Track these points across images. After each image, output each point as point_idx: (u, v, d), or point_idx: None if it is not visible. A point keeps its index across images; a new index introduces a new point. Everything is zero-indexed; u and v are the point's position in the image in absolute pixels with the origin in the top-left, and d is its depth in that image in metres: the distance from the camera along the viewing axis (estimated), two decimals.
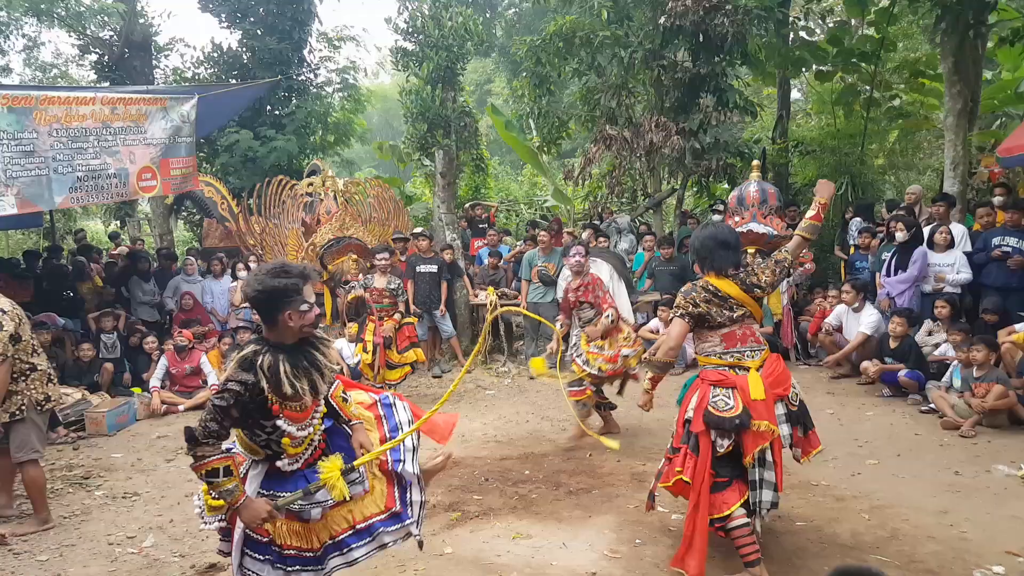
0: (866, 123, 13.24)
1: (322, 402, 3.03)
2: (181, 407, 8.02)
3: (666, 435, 6.21)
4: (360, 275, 8.57)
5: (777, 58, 12.87)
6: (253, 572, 2.97)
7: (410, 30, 10.68)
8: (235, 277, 10.21)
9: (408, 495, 3.23)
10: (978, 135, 10.66)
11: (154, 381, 8.17)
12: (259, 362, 2.75)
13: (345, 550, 3.07)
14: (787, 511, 4.53)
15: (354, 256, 9.90)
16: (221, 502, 2.81)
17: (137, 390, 8.28)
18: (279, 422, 2.83)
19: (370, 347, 7.56)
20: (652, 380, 4.05)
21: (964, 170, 9.68)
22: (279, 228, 10.08)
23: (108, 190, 8.13)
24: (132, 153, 8.24)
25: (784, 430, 3.75)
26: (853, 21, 14.82)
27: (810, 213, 4.21)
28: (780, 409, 3.77)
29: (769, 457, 3.64)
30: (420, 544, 3.26)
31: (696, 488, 3.62)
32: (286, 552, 2.98)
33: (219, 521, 3.00)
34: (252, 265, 10.24)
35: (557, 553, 4.11)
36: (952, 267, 7.69)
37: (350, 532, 3.07)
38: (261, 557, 2.96)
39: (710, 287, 3.85)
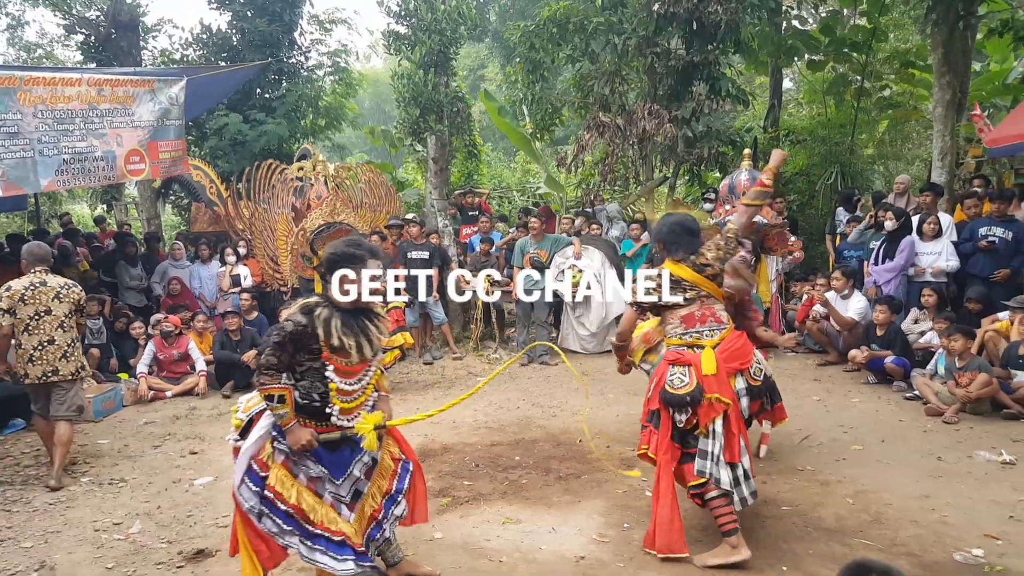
0: (856, 113, 13.28)
1: (372, 366, 3.39)
2: (169, 393, 7.99)
3: None
4: None
5: (770, 47, 12.88)
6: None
7: (403, 13, 10.62)
8: (223, 262, 10.16)
9: (370, 546, 3.42)
10: (966, 126, 10.71)
11: (141, 367, 8.13)
12: (316, 312, 3.20)
13: (310, 540, 3.24)
14: (772, 496, 4.58)
15: None
16: (242, 422, 3.38)
17: (124, 376, 8.25)
18: (327, 372, 3.21)
19: None
20: (619, 359, 4.76)
21: (952, 160, 9.74)
22: (268, 213, 10.00)
23: (95, 173, 8.06)
24: (119, 136, 8.17)
25: (743, 403, 3.85)
26: (845, 11, 14.85)
27: (761, 177, 4.47)
28: (740, 383, 3.87)
29: (719, 428, 3.74)
30: None
31: (659, 462, 3.82)
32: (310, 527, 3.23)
33: (235, 441, 3.43)
34: (241, 250, 10.19)
35: (546, 538, 4.14)
36: (940, 256, 7.76)
37: (324, 534, 3.22)
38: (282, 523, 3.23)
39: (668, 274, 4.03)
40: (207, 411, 7.40)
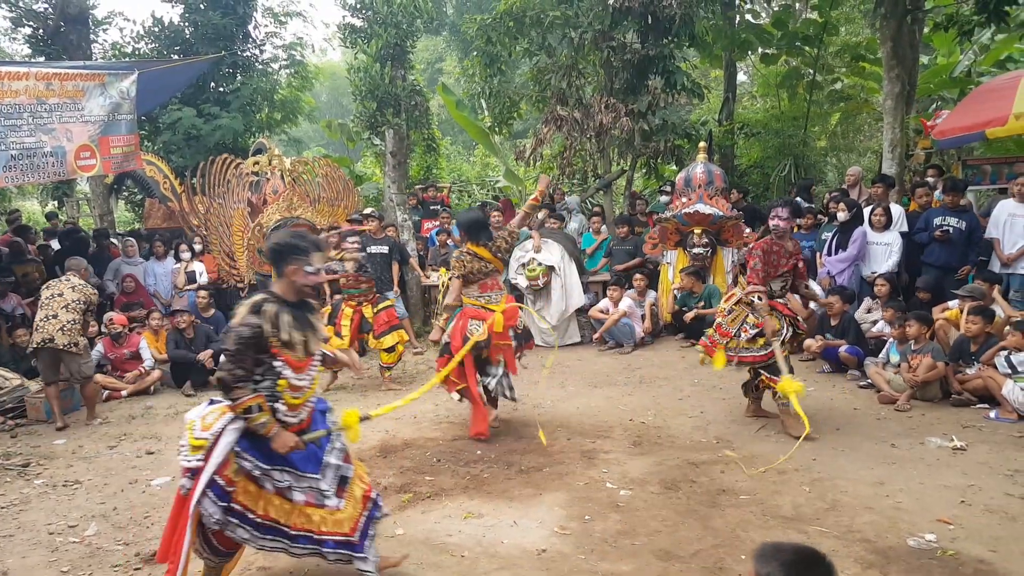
0: (809, 106, 13.53)
1: (316, 360, 3.41)
2: (124, 392, 7.84)
3: (621, 415, 6.32)
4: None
5: (724, 40, 13.04)
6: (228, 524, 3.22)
7: (358, 6, 10.51)
8: (178, 259, 9.98)
9: (370, 528, 3.50)
10: (915, 118, 10.97)
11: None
12: (264, 308, 3.20)
13: (292, 542, 3.32)
14: (730, 485, 4.66)
15: None
16: (203, 441, 3.20)
17: None
18: (276, 363, 3.21)
19: (345, 332, 7.51)
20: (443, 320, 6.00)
21: (902, 152, 9.96)
22: (224, 208, 9.83)
23: (44, 169, 7.86)
24: (69, 131, 7.98)
25: (513, 343, 5.80)
26: (797, 5, 15.08)
27: (531, 197, 6.16)
28: (511, 333, 5.76)
29: (502, 359, 5.74)
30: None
31: (445, 370, 5.25)
32: (261, 520, 3.25)
33: (197, 461, 3.21)
34: (196, 247, 10.02)
35: (508, 531, 4.16)
36: (889, 247, 7.95)
37: (305, 533, 3.30)
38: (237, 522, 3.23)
39: (471, 252, 5.70)
40: (163, 411, 7.28)
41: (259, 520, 3.22)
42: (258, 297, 3.26)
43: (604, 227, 10.37)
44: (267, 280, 9.77)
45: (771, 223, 5.80)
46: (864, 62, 13.48)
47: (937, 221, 7.81)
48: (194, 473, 3.20)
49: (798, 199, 9.92)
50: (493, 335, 5.52)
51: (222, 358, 3.18)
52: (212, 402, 3.37)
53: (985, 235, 7.61)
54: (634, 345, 8.95)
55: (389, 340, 7.64)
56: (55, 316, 6.71)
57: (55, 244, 10.96)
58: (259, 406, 3.14)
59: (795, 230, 6.16)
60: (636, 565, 3.72)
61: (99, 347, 8.03)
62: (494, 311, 5.57)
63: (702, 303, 8.99)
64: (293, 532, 3.27)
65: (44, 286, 6.99)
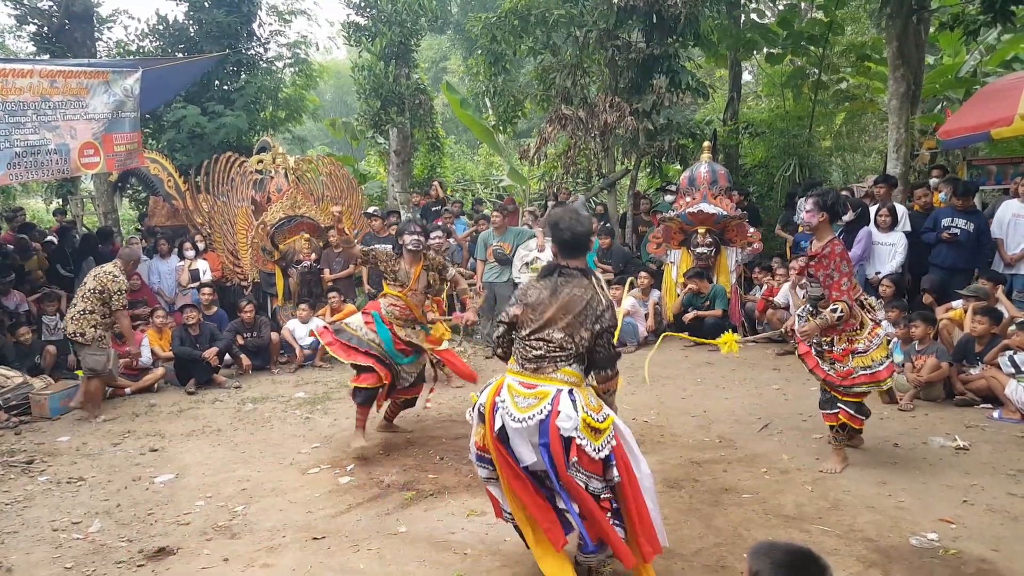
0: (814, 105, 13.49)
1: None
2: (128, 390, 7.85)
3: (623, 413, 6.32)
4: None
5: (729, 40, 13.02)
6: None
7: (362, 4, 10.53)
8: (182, 257, 10.00)
9: None
10: (920, 118, 10.94)
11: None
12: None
13: None
14: (733, 484, 4.66)
15: (306, 235, 9.77)
16: (606, 423, 3.20)
17: (80, 372, 8.07)
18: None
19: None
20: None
21: (907, 152, 9.94)
22: (228, 206, 9.88)
23: (48, 166, 7.88)
24: (73, 128, 7.99)
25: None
26: (803, 4, 15.05)
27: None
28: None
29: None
30: None
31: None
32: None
33: (610, 445, 3.17)
34: (200, 244, 10.05)
35: (511, 529, 4.14)
36: (893, 247, 7.94)
37: None
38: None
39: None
40: (167, 408, 7.30)
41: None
42: (599, 275, 3.35)
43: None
44: (271, 277, 9.86)
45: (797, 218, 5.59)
46: (869, 62, 13.45)
47: (945, 222, 7.77)
48: (607, 462, 3.14)
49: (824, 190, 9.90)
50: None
51: (607, 324, 3.20)
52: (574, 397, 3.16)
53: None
54: (637, 344, 8.95)
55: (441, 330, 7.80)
56: (75, 305, 6.96)
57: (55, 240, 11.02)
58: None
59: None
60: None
61: None
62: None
63: (708, 303, 8.99)
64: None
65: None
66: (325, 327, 5.92)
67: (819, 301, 4.69)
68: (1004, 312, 6.62)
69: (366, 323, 5.58)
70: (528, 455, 3.16)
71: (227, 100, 13.67)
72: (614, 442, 3.16)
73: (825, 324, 4.59)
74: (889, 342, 5.01)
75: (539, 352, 3.22)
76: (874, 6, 11.16)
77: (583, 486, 3.09)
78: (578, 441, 3.06)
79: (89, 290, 6.92)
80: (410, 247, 5.62)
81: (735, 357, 7.34)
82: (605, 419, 3.16)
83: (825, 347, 4.78)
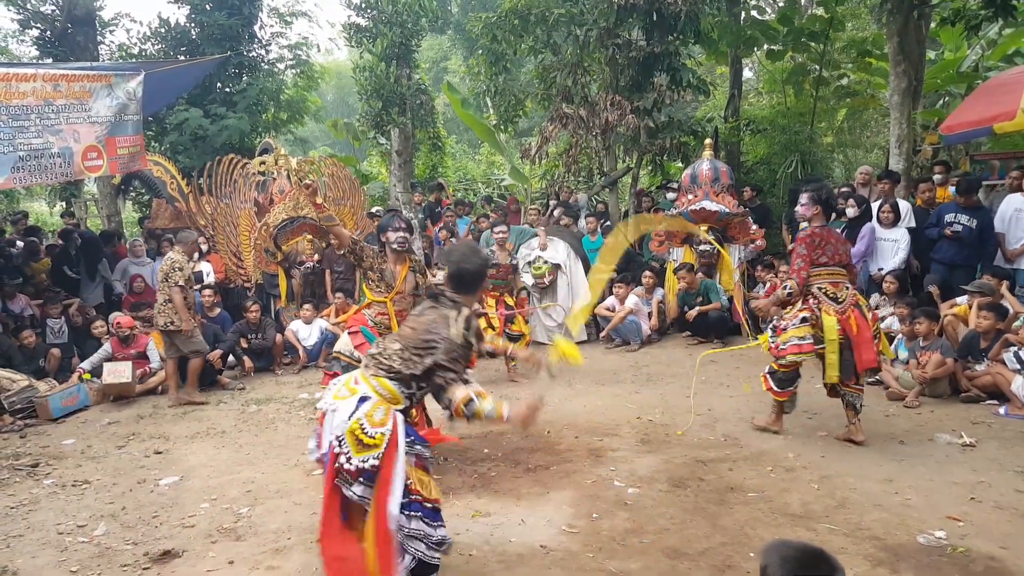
0: (815, 102, 13.47)
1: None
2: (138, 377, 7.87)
3: (628, 412, 6.32)
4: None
5: (729, 37, 12.99)
6: (410, 529, 3.07)
7: (363, 5, 10.52)
8: None
9: None
10: (922, 113, 10.91)
11: (86, 365, 7.96)
12: (472, 323, 3.26)
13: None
14: (739, 483, 4.65)
15: (309, 236, 9.78)
16: (378, 439, 3.00)
17: (87, 375, 8.08)
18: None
19: (496, 323, 7.74)
20: None
21: (909, 147, 9.92)
22: (231, 208, 9.88)
23: (52, 170, 7.89)
24: (76, 132, 8.00)
25: None
26: (803, 0, 15.01)
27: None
28: None
29: None
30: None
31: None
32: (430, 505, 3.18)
33: (373, 462, 3.00)
34: (203, 246, 10.05)
35: (516, 530, 4.16)
36: (896, 243, 7.92)
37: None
38: (412, 513, 3.08)
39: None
40: (171, 410, 7.30)
41: (430, 506, 3.15)
42: (467, 311, 3.27)
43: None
44: (274, 279, 9.86)
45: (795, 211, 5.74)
46: (871, 58, 13.41)
47: (948, 218, 7.75)
48: (366, 476, 3.00)
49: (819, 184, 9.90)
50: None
51: (442, 360, 3.16)
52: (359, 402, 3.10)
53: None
54: (641, 343, 8.94)
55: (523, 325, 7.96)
56: (158, 300, 7.45)
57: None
58: (479, 394, 3.21)
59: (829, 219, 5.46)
60: (644, 563, 3.71)
61: (107, 347, 8.05)
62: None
63: (700, 298, 8.98)
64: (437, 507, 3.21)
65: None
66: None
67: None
68: (1009, 308, 6.61)
69: (357, 345, 5.17)
70: (324, 443, 3.14)
71: (229, 102, 13.68)
72: (377, 463, 3.00)
73: (777, 301, 5.23)
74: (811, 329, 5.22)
75: (375, 351, 3.29)
76: (874, 2, 11.16)
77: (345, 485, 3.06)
78: (335, 443, 3.04)
79: (161, 281, 7.37)
80: (395, 246, 5.16)
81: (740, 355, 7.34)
82: (376, 436, 3.02)
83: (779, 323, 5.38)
